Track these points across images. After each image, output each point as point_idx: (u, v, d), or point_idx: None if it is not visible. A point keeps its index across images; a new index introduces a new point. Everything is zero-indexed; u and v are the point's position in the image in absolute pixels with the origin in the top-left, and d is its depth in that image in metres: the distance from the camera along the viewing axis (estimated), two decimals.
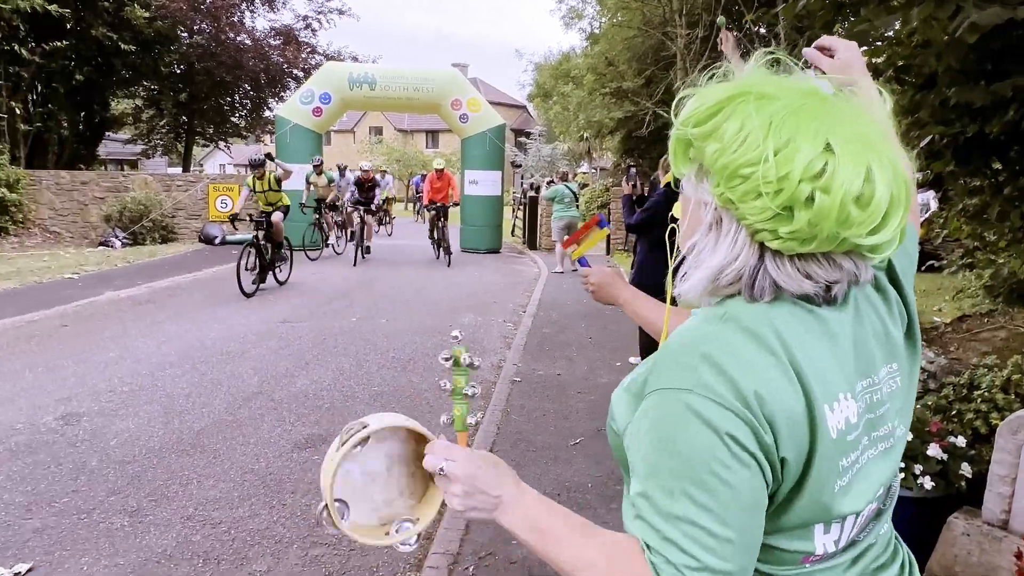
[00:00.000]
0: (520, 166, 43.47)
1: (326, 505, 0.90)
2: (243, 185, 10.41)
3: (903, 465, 2.58)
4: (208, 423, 4.52)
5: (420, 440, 0.95)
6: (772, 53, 0.83)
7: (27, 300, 8.31)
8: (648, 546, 0.75)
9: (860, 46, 1.18)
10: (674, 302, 1.04)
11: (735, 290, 0.81)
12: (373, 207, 12.55)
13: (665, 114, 22.78)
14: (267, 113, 21.52)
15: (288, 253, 10.10)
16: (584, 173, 31.97)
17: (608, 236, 14.79)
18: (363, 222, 12.33)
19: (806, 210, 0.72)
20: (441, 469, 0.87)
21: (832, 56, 1.17)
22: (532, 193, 16.74)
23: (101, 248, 13.90)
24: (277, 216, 9.57)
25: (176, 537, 3.12)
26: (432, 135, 52.62)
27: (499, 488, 0.86)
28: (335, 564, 2.93)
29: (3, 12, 12.85)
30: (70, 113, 17.85)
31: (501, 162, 15.24)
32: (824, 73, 1.14)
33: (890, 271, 0.93)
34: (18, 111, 15.39)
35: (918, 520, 2.52)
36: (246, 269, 8.87)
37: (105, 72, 17.47)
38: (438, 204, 13.01)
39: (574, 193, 12.12)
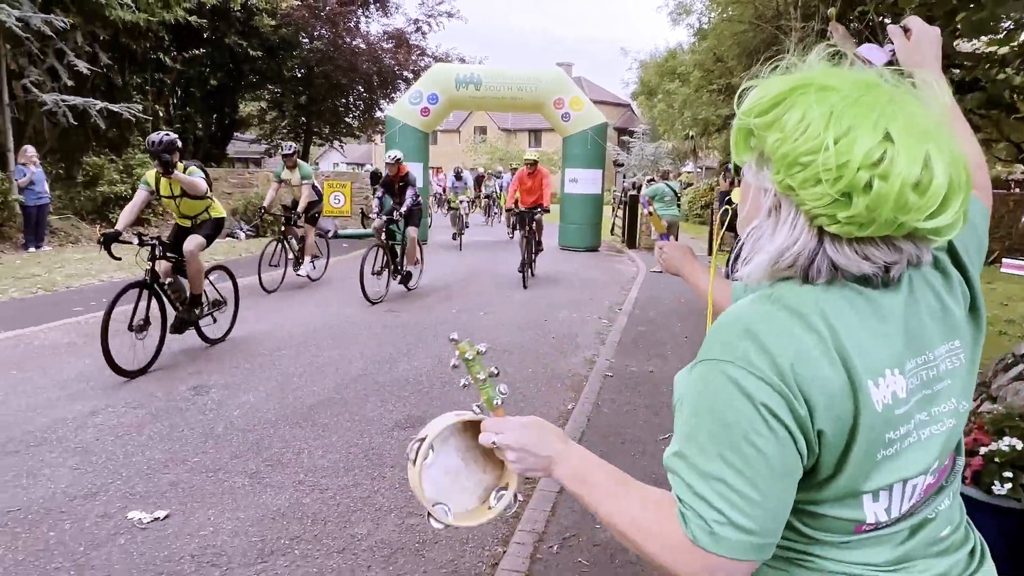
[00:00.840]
0: (622, 165, 42.97)
1: (428, 512, 1.05)
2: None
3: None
4: (318, 400, 4.88)
5: (476, 425, 1.06)
6: (833, 47, 0.88)
7: None
8: (680, 499, 0.83)
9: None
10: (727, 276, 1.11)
11: (792, 273, 0.87)
12: (403, 210, 8.49)
13: None
14: (378, 113, 22.49)
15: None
16: (688, 172, 31.28)
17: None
18: (392, 251, 8.74)
19: (864, 196, 0.77)
20: (494, 443, 0.99)
21: (909, 37, 1.19)
22: (633, 192, 16.59)
23: (228, 239, 15.06)
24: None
25: (289, 498, 3.43)
26: (535, 134, 53.03)
27: (546, 448, 0.97)
28: (428, 533, 3.14)
29: (151, 24, 14.18)
30: (204, 115, 19.43)
31: (602, 160, 15.23)
32: (888, 49, 1.17)
33: (951, 251, 0.96)
34: (161, 113, 16.93)
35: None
36: (372, 273, 8.30)
37: (235, 77, 18.88)
38: (528, 209, 10.39)
39: (675, 192, 11.95)
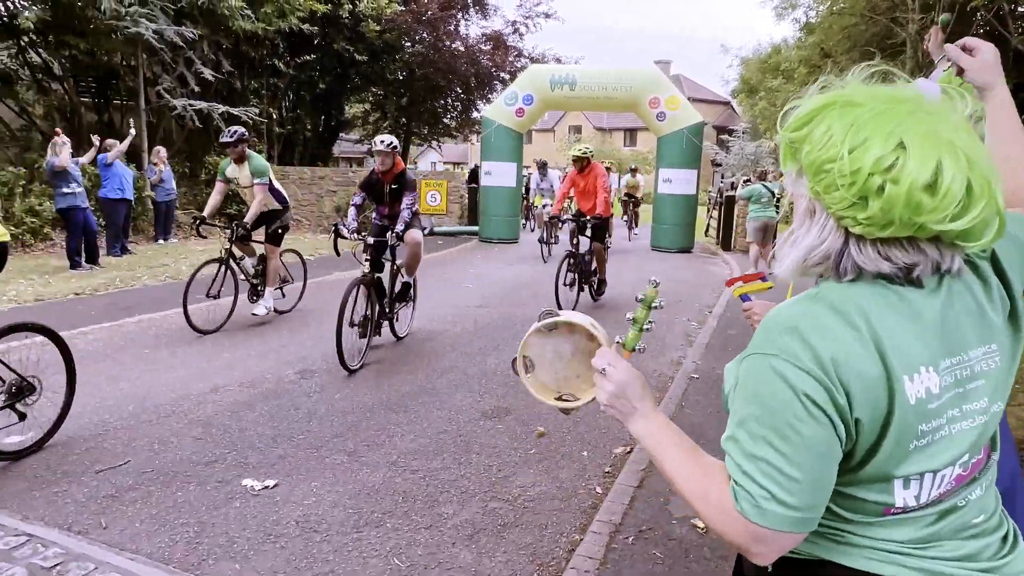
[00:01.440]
0: (720, 164, 41.82)
1: (516, 358, 1.24)
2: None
3: None
4: (411, 389, 5.17)
5: (599, 344, 1.21)
6: (873, 66, 0.97)
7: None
8: (732, 477, 0.94)
9: None
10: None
11: (823, 270, 0.97)
12: (396, 234, 5.92)
13: None
14: (475, 114, 23.01)
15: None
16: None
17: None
18: (379, 289, 6.12)
19: (878, 199, 0.87)
20: (603, 369, 1.11)
21: (973, 55, 1.25)
22: (729, 192, 16.20)
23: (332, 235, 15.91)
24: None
25: (382, 477, 3.69)
26: (630, 133, 52.45)
27: (640, 401, 1.10)
28: (510, 517, 3.31)
29: (268, 33, 15.18)
30: (313, 117, 20.55)
31: (697, 160, 14.96)
32: (950, 68, 1.22)
33: (994, 260, 1.02)
34: (274, 116, 18.07)
35: None
36: (564, 284, 7.85)
37: (342, 80, 19.86)
38: (584, 217, 8.09)
39: (772, 193, 11.59)
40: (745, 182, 12.63)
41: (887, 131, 0.87)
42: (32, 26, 12.49)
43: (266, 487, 3.52)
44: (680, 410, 4.82)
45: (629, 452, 4.10)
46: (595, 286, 8.55)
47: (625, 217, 17.74)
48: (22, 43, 13.27)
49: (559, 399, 1.24)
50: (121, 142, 11.00)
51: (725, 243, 15.59)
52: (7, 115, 13.49)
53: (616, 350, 1.18)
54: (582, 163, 8.14)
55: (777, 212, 11.96)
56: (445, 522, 3.24)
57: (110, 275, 9.14)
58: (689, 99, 16.88)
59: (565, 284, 7.85)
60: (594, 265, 8.39)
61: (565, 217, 8.64)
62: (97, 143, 10.29)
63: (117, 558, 2.81)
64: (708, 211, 19.16)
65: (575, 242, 8.10)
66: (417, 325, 7.14)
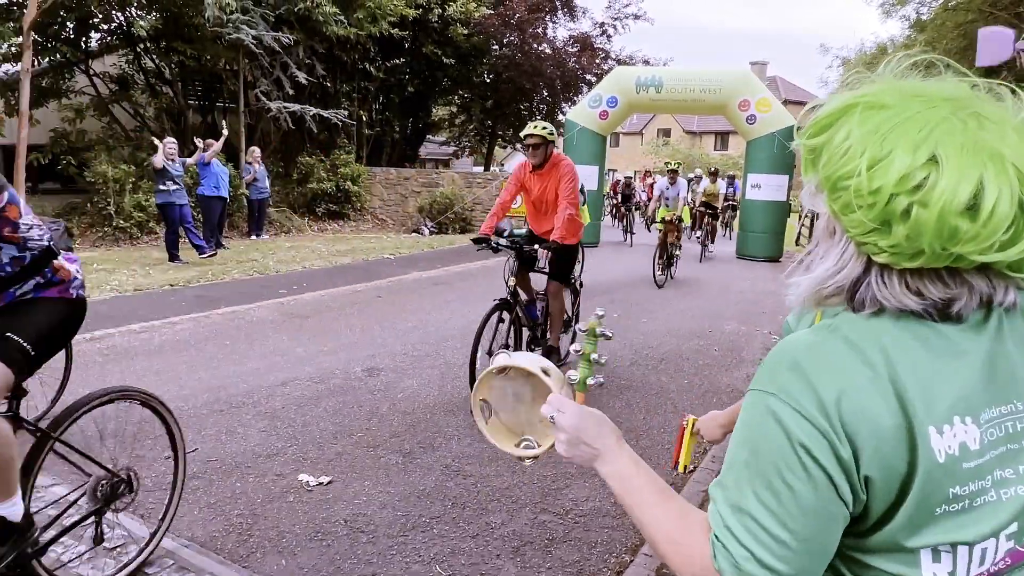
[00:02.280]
0: None
1: (474, 395, 1.16)
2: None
3: None
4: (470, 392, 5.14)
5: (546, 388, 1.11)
6: (913, 55, 0.82)
7: (356, 274, 10.14)
8: (713, 528, 0.81)
9: None
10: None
11: (838, 302, 0.82)
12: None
13: None
14: (560, 117, 22.92)
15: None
16: None
17: None
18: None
19: (902, 224, 0.72)
20: (552, 417, 1.00)
21: None
22: None
23: (414, 235, 16.24)
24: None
25: (435, 480, 3.67)
26: (721, 137, 50.96)
27: (599, 441, 0.98)
28: (559, 531, 3.21)
29: (360, 38, 15.67)
30: (401, 119, 21.06)
31: (790, 166, 14.27)
32: None
33: None
34: (364, 118, 18.63)
35: None
36: None
37: (430, 84, 20.24)
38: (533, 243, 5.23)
39: None
40: None
41: (916, 140, 0.72)
42: (146, 33, 13.42)
43: (320, 483, 3.56)
44: None
45: (692, 471, 3.91)
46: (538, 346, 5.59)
47: (698, 233, 15.13)
48: (137, 50, 14.27)
49: (520, 445, 1.15)
50: (218, 140, 11.63)
51: None
52: (122, 117, 14.53)
53: (567, 393, 1.06)
54: (543, 149, 5.04)
55: None
56: (492, 532, 3.18)
57: (203, 268, 9.66)
58: (785, 101, 16.18)
59: (492, 350, 4.83)
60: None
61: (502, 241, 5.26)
62: (201, 145, 10.93)
63: (172, 543, 2.91)
64: (800, 219, 18.27)
65: (510, 283, 5.10)
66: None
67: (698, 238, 14.90)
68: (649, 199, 16.56)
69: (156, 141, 10.13)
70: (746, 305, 9.18)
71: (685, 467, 1.75)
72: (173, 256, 10.07)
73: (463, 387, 5.22)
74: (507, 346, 5.00)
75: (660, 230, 10.75)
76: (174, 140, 10.32)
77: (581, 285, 6.33)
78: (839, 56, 23.29)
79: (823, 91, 27.93)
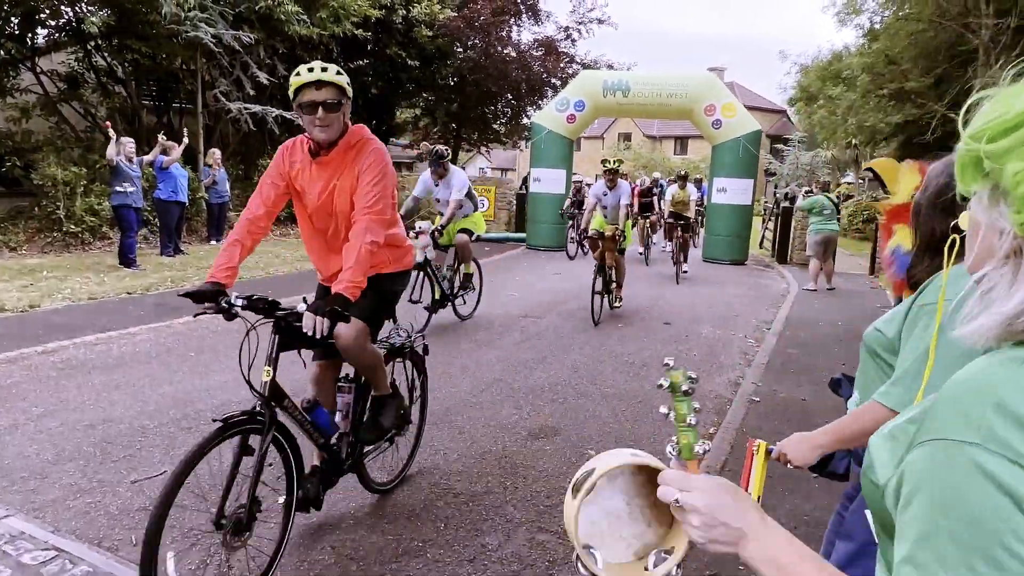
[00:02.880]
0: (774, 174, 40.82)
1: (577, 555, 0.92)
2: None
3: None
4: (455, 402, 4.97)
5: (652, 471, 0.92)
6: None
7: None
8: None
9: None
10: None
11: None
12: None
13: (957, 117, 19.71)
14: (524, 120, 22.87)
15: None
16: (849, 183, 29.03)
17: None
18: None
19: None
20: (676, 500, 0.85)
21: None
22: (786, 203, 15.62)
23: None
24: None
25: (423, 500, 3.49)
26: (681, 141, 51.68)
27: (741, 519, 0.82)
28: (559, 552, 3.06)
29: (323, 38, 15.31)
30: (364, 121, 20.67)
31: (754, 170, 14.46)
32: None
33: None
34: None
35: None
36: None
37: (394, 86, 19.94)
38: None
39: (836, 205, 11.08)
40: (806, 193, 12.09)
41: None
42: (97, 30, 12.85)
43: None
44: (741, 436, 4.49)
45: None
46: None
47: (669, 247, 13.76)
48: (88, 47, 13.67)
49: (647, 569, 0.94)
50: (179, 144, 11.18)
51: (781, 256, 15.03)
52: (72, 117, 13.89)
53: (678, 467, 0.91)
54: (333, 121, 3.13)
55: (838, 224, 11.41)
56: (489, 555, 3.02)
57: (162, 275, 9.24)
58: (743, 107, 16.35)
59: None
60: None
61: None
62: (163, 140, 10.47)
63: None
64: (763, 222, 18.54)
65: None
66: (461, 334, 6.96)
67: (671, 255, 12.69)
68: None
69: (111, 132, 9.61)
70: (719, 309, 9.19)
71: (758, 498, 1.61)
72: (129, 261, 9.62)
73: (445, 397, 5.04)
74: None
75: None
76: (132, 139, 9.86)
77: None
78: (797, 63, 23.81)
79: (782, 97, 28.51)
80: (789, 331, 7.87)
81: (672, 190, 12.93)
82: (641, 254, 13.89)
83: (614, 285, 8.39)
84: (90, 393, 4.75)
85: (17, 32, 13.06)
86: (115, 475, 3.57)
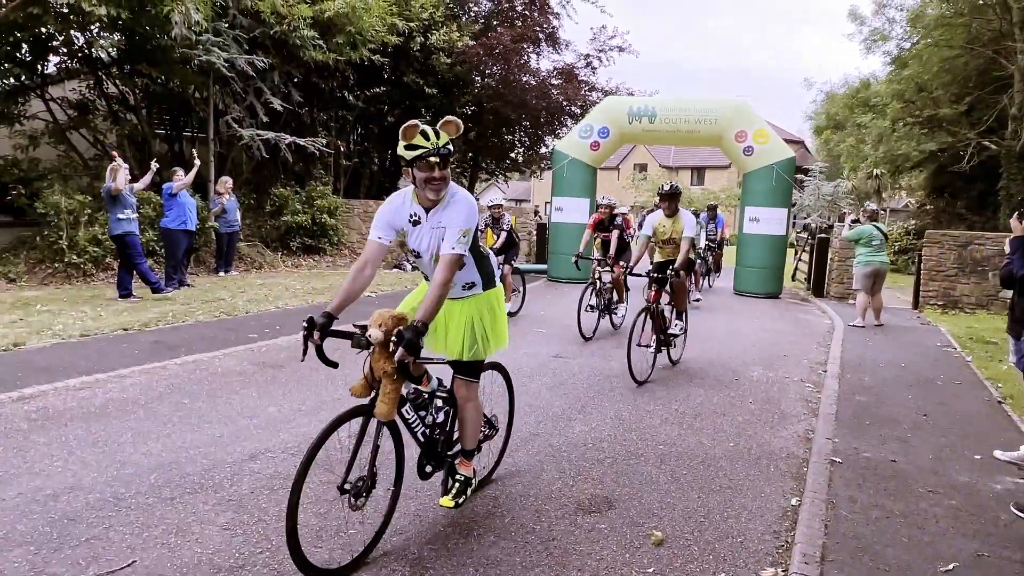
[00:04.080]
0: (795, 204, 40.17)
1: None
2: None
3: None
4: (488, 463, 4.23)
5: None
6: None
7: None
8: None
9: None
10: None
11: None
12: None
13: (994, 145, 19.05)
14: (542, 149, 22.38)
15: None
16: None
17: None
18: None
19: None
20: None
21: None
22: (822, 234, 14.87)
23: (395, 270, 15.33)
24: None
25: None
26: (698, 172, 51.18)
27: None
28: None
29: (339, 64, 14.91)
30: (380, 150, 20.28)
31: (788, 198, 13.78)
32: None
33: None
34: (342, 149, 17.80)
35: None
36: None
37: (411, 114, 19.52)
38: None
39: (884, 235, 10.33)
40: (853, 223, 11.35)
41: None
42: (108, 55, 12.49)
43: None
44: (834, 513, 3.71)
45: None
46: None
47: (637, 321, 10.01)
48: (100, 74, 13.32)
49: None
50: (187, 172, 10.66)
51: (817, 289, 14.22)
52: (81, 144, 13.50)
53: None
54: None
55: (887, 257, 10.63)
56: None
57: (163, 309, 8.62)
58: None
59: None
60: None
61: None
62: (154, 167, 9.89)
63: None
64: (796, 253, 17.76)
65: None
66: (485, 377, 6.23)
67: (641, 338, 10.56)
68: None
69: (117, 160, 9.02)
70: (765, 348, 8.41)
71: None
72: (126, 294, 9.01)
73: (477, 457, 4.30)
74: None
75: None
76: (125, 164, 9.27)
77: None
78: (822, 90, 23.24)
79: (807, 125, 27.95)
80: (849, 374, 7.08)
81: (654, 219, 7.41)
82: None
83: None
84: (61, 451, 4.07)
85: (28, 59, 12.74)
86: (74, 567, 2.86)
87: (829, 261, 14.11)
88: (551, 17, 20.17)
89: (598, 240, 9.46)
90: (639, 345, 6.34)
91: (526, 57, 19.63)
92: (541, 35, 20.10)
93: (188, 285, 10.69)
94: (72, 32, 12.29)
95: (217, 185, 12.56)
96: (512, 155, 22.89)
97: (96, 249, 11.11)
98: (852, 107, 21.83)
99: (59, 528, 3.17)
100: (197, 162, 11.03)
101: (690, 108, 13.85)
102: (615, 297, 9.04)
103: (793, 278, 16.58)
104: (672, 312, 7.15)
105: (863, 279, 10.24)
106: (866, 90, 21.81)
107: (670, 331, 7.00)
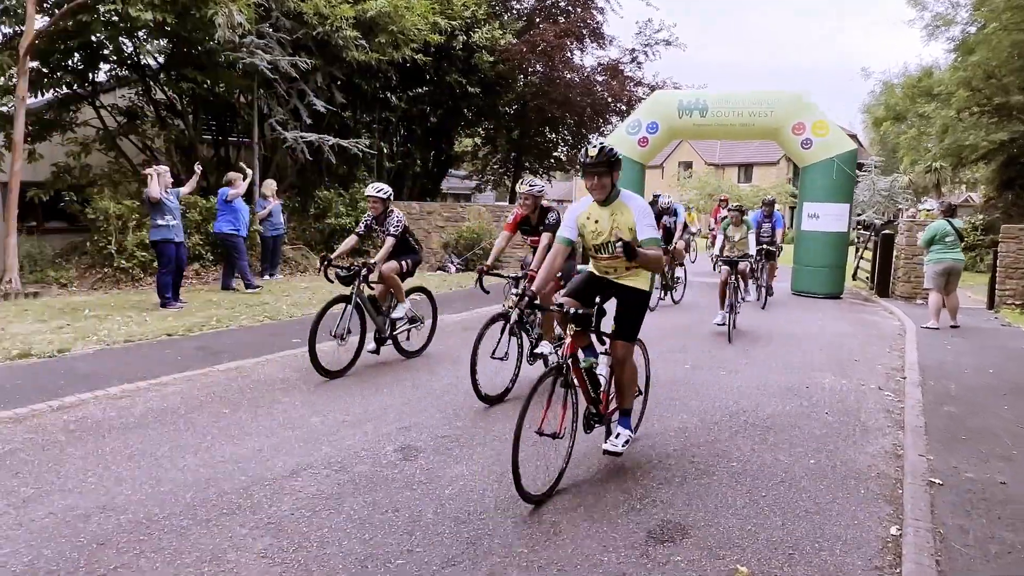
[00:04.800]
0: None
1: None
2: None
3: None
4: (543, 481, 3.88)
5: None
6: None
7: None
8: None
9: None
10: None
11: None
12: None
13: None
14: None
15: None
16: (929, 210, 26.97)
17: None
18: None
19: None
20: None
21: None
22: (887, 231, 14.09)
23: (439, 272, 15.10)
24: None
25: None
26: (745, 168, 49.87)
27: None
28: None
29: (382, 64, 14.78)
30: (423, 152, 20.13)
31: (849, 193, 13.08)
32: None
33: None
34: (384, 150, 17.68)
35: None
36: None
37: (453, 114, 19.34)
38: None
39: (958, 232, 9.63)
40: (928, 211, 10.61)
41: None
42: (155, 61, 12.59)
43: None
44: (943, 543, 3.24)
45: None
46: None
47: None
48: (148, 82, 13.44)
49: None
50: (244, 178, 10.65)
51: (882, 288, 13.44)
52: (130, 150, 13.65)
53: None
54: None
55: (962, 255, 9.90)
56: None
57: (208, 313, 8.52)
58: None
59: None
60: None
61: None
62: (198, 171, 9.84)
63: None
64: (857, 252, 16.92)
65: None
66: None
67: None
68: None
69: (153, 170, 8.89)
70: (833, 352, 7.85)
71: None
72: (166, 301, 8.88)
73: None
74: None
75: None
76: (166, 167, 9.17)
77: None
78: (881, 80, 22.16)
79: (864, 118, 26.80)
80: (932, 381, 6.50)
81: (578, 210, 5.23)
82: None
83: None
84: (97, 466, 3.87)
85: (80, 67, 12.92)
86: None
87: (895, 258, 13.33)
88: (595, 12, 19.72)
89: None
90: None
91: (570, 53, 19.22)
92: (585, 31, 19.66)
93: (234, 289, 10.63)
94: (120, 39, 12.41)
95: (262, 188, 12.51)
96: (555, 154, 22.49)
97: (144, 254, 11.15)
98: (913, 97, 20.75)
99: (87, 554, 2.94)
100: (249, 172, 10.99)
101: (744, 101, 13.27)
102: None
103: (854, 277, 15.78)
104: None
105: (935, 277, 9.55)
106: (928, 79, 20.70)
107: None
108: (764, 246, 11.04)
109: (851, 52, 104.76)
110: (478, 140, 22.71)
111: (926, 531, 3.38)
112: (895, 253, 13.30)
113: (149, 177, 8.74)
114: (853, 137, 46.37)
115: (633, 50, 20.23)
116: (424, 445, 4.39)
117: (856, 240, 18.48)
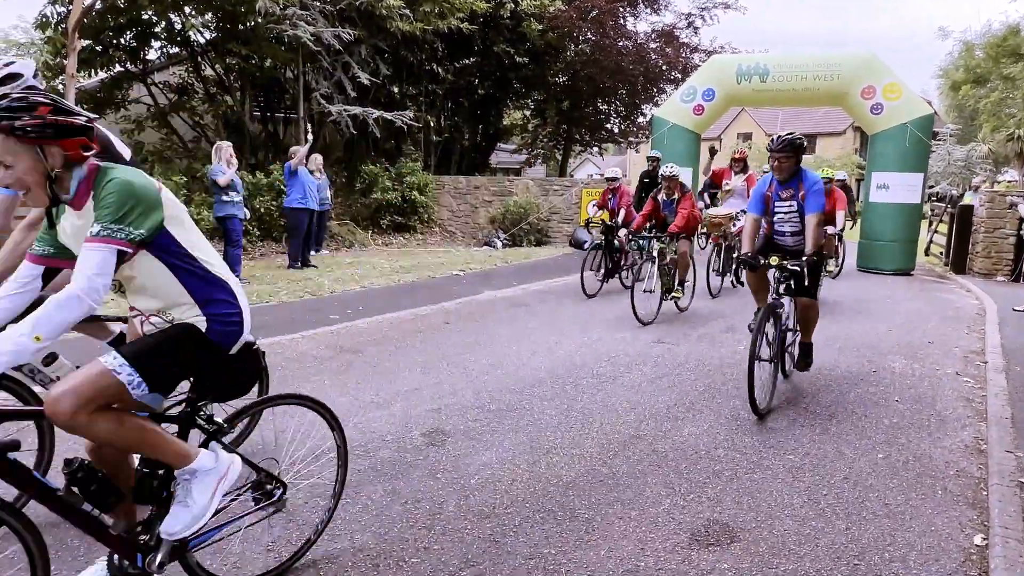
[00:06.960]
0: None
1: None
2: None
3: None
4: (579, 472, 3.58)
5: None
6: None
7: (421, 294, 8.78)
8: None
9: None
10: None
11: None
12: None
13: None
14: (640, 119, 21.18)
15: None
16: (1010, 182, 25.14)
17: None
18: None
19: None
20: None
21: None
22: (965, 202, 13.09)
23: (485, 248, 14.85)
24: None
25: None
26: (809, 139, 47.68)
27: None
28: None
29: (427, 35, 14.46)
30: (471, 125, 19.80)
31: (924, 162, 12.16)
32: None
33: None
34: (431, 124, 17.44)
35: None
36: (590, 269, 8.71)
37: (502, 86, 18.90)
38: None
39: None
40: (1009, 183, 9.73)
41: None
42: (202, 36, 12.59)
43: None
44: None
45: None
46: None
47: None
48: (197, 58, 13.49)
49: None
50: (306, 143, 10.71)
51: (957, 265, 12.52)
52: (181, 128, 13.80)
53: None
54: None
55: None
56: None
57: (249, 289, 8.49)
58: None
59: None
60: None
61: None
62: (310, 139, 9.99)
63: None
64: (930, 225, 15.86)
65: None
66: (582, 367, 5.56)
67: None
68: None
69: (222, 147, 8.80)
70: (903, 334, 7.24)
71: None
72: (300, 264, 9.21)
73: (562, 465, 3.66)
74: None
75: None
76: (228, 143, 9.13)
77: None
78: (960, 40, 20.60)
79: (941, 80, 25.14)
80: (1019, 367, 5.89)
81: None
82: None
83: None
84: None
85: (131, 46, 13.06)
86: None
87: (973, 232, 12.37)
88: None
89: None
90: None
91: (622, 19, 18.47)
92: None
93: (311, 265, 10.63)
94: (170, 16, 12.45)
95: (308, 163, 12.44)
96: (607, 126, 21.82)
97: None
98: (997, 58, 19.26)
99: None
100: (310, 137, 11.00)
101: (808, 63, 12.42)
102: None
103: (927, 252, 14.78)
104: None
105: None
106: (1015, 36, 19.16)
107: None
108: (785, 260, 4.89)
109: (920, 18, 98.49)
110: (527, 112, 22.21)
111: (1016, 541, 2.94)
112: (974, 226, 12.34)
113: (217, 151, 8.75)
114: (927, 104, 43.91)
115: (689, 14, 19.30)
116: (453, 428, 4.14)
117: (930, 213, 17.30)
